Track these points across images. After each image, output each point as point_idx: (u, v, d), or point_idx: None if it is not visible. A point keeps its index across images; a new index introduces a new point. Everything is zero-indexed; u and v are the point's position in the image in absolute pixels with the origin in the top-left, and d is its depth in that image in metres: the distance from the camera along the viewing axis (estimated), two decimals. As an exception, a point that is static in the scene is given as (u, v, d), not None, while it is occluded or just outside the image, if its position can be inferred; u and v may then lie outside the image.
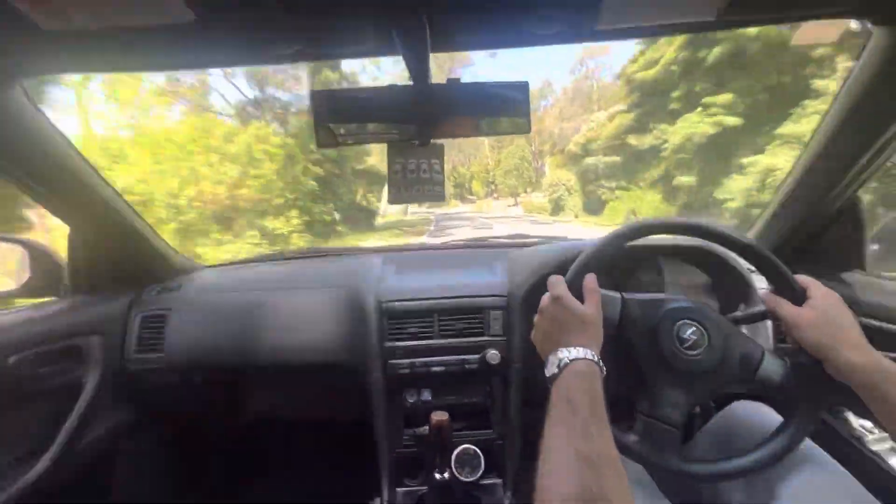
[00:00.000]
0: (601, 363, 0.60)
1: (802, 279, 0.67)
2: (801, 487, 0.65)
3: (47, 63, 0.72)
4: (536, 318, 0.71)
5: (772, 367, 0.67)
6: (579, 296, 0.68)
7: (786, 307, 0.65)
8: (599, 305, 0.67)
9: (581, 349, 0.60)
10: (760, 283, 1.04)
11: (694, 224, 0.72)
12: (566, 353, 0.59)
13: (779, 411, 0.75)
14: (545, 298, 0.70)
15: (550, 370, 0.60)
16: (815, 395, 0.65)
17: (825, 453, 0.71)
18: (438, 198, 0.77)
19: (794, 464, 0.67)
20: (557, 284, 0.69)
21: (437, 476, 0.94)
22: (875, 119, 0.78)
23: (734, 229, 0.72)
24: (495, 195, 41.10)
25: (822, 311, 0.62)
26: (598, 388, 0.56)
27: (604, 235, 0.74)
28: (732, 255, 1.09)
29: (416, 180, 0.76)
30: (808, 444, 0.71)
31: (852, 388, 0.58)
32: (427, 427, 1.07)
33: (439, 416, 0.91)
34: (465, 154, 44.36)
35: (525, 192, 36.21)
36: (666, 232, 0.74)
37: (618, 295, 0.72)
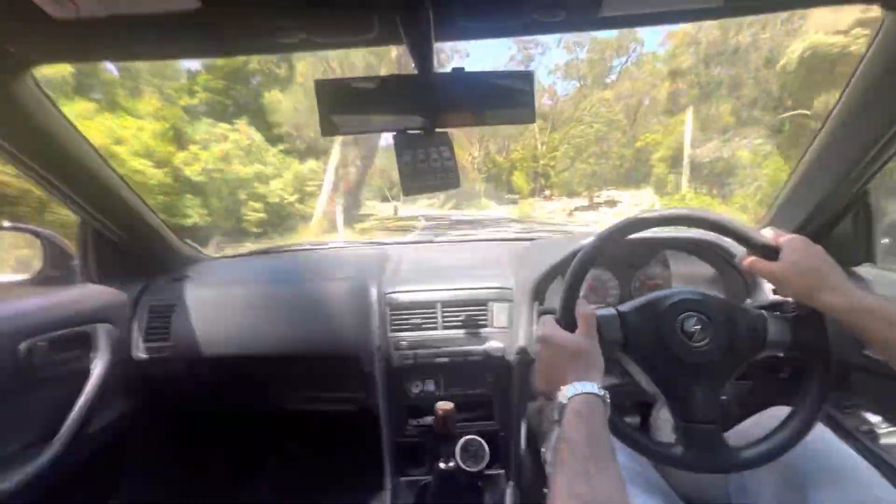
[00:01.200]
0: (603, 392, 0.59)
1: (767, 233, 0.67)
2: (832, 496, 0.63)
3: (57, 52, 0.73)
4: (536, 366, 0.70)
5: (777, 329, 0.67)
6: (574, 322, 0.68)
7: (763, 266, 0.66)
8: (593, 329, 0.66)
9: (577, 384, 0.59)
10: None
11: (665, 214, 0.70)
12: (563, 395, 0.59)
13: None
14: (538, 343, 0.69)
15: (556, 412, 0.60)
16: (822, 343, 0.65)
17: (847, 448, 0.69)
18: (453, 185, 0.75)
19: (821, 461, 0.66)
20: (544, 324, 0.69)
21: (442, 465, 0.95)
22: (886, 108, 0.77)
23: (693, 207, 0.70)
24: (547, 192, 29.80)
25: (794, 261, 0.63)
26: (598, 422, 0.55)
27: (591, 238, 0.72)
28: (727, 242, 1.07)
29: (426, 170, 0.75)
30: (832, 440, 0.71)
31: (844, 327, 0.59)
32: (431, 417, 1.08)
33: (444, 406, 0.91)
34: (502, 137, 33.09)
35: (602, 189, 25.14)
36: (642, 227, 0.70)
37: (613, 311, 0.70)
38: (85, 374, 1.11)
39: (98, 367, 1.11)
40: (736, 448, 0.66)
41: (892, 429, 0.91)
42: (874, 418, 0.94)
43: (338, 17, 0.64)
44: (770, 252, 0.65)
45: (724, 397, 1.10)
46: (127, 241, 1.23)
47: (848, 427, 0.94)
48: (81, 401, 1.06)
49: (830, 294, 0.59)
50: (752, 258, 0.68)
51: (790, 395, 0.68)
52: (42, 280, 1.14)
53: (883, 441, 0.90)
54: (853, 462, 0.66)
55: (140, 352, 1.21)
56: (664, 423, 1.23)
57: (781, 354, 0.69)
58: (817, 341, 0.66)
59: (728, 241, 1.07)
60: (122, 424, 1.24)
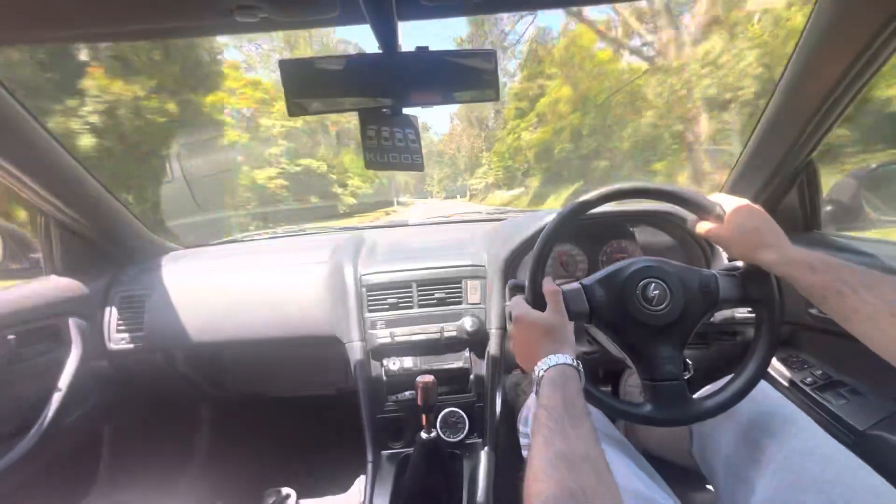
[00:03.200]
0: (574, 361, 0.63)
1: (715, 198, 0.73)
2: (779, 441, 0.69)
3: (9, 34, 0.70)
4: (512, 345, 0.74)
5: (728, 285, 0.73)
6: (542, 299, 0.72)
7: (710, 229, 0.72)
8: (560, 305, 0.70)
9: (551, 357, 0.63)
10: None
11: (617, 188, 0.74)
12: (538, 368, 0.63)
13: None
14: (512, 324, 0.73)
15: (533, 387, 0.64)
16: (769, 295, 0.71)
17: (790, 402, 0.76)
18: (417, 167, 0.76)
19: (768, 418, 0.72)
20: (516, 306, 0.74)
21: (424, 436, 0.98)
22: (825, 78, 0.82)
23: (645, 180, 0.75)
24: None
25: (739, 222, 0.69)
26: (573, 389, 0.58)
27: (550, 221, 0.76)
28: (682, 212, 1.13)
29: (391, 147, 0.77)
30: (779, 398, 0.77)
31: (781, 279, 0.66)
32: (410, 392, 1.11)
33: (425, 379, 0.94)
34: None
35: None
36: (600, 203, 0.74)
37: (578, 285, 0.74)
38: (56, 367, 1.09)
39: (70, 360, 1.09)
40: (699, 399, 0.72)
41: (832, 379, 0.99)
42: (817, 372, 1.02)
43: (299, -4, 0.64)
44: (717, 217, 0.71)
45: (688, 361, 1.18)
46: (92, 232, 1.20)
47: (795, 380, 1.02)
48: (55, 394, 1.05)
49: (768, 251, 0.66)
50: (700, 222, 0.74)
51: (747, 350, 0.74)
52: (2, 274, 1.10)
53: (825, 392, 0.98)
54: (794, 415, 0.73)
55: (113, 343, 1.19)
56: (632, 389, 1.31)
57: (734, 311, 0.74)
58: (763, 293, 0.71)
59: (678, 210, 1.13)
60: (99, 415, 1.23)
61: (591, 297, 0.73)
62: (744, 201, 0.71)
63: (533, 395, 0.94)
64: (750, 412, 0.74)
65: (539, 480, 0.46)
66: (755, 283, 0.72)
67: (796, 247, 0.65)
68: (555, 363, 0.62)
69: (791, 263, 0.63)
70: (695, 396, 0.73)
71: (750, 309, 0.75)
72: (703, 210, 0.73)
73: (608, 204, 0.76)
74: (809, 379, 1.00)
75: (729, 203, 0.72)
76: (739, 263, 0.76)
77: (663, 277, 0.72)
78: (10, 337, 0.98)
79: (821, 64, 0.79)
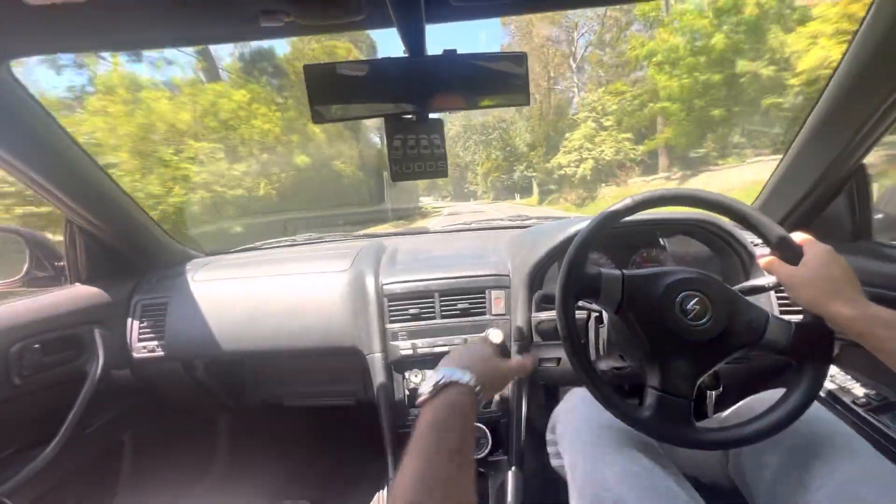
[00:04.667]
0: (473, 381, 0.59)
1: (797, 238, 0.67)
2: (830, 470, 0.64)
3: (33, 42, 0.70)
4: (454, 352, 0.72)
5: (777, 329, 0.67)
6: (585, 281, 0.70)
7: (782, 269, 0.66)
8: (521, 369, 0.71)
9: (457, 370, 0.59)
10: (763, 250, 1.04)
11: (685, 193, 0.71)
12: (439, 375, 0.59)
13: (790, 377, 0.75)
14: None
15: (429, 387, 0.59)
16: (821, 352, 0.65)
17: (843, 423, 0.70)
18: (441, 174, 0.75)
19: (817, 440, 0.67)
20: (486, 342, 0.74)
21: None
22: (879, 83, 0.77)
23: (727, 196, 0.70)
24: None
25: (816, 268, 0.63)
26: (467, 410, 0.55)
27: (592, 220, 0.74)
28: (731, 226, 1.08)
29: (417, 156, 0.75)
30: (828, 419, 0.72)
31: (853, 338, 0.58)
32: None
33: None
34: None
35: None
36: (657, 205, 0.72)
37: (618, 273, 0.72)
38: (79, 376, 1.09)
39: (93, 369, 1.09)
40: (701, 427, 0.67)
41: (888, 401, 0.92)
42: (871, 392, 0.95)
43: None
44: (795, 256, 0.65)
45: (712, 378, 1.13)
46: (115, 239, 1.20)
47: (845, 401, 0.95)
48: (78, 401, 1.05)
49: (845, 304, 0.59)
50: (772, 258, 0.68)
51: (782, 379, 0.68)
52: (29, 282, 1.11)
53: (880, 415, 0.91)
54: (848, 439, 0.67)
55: (135, 352, 1.19)
56: None
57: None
58: (816, 351, 0.65)
59: (720, 221, 1.07)
60: (120, 424, 1.23)
61: (627, 287, 0.70)
62: (826, 246, 0.65)
63: (562, 403, 0.90)
64: (799, 433, 0.69)
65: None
66: (810, 336, 0.66)
67: (880, 306, 0.58)
68: (452, 378, 0.57)
69: (875, 322, 0.56)
70: (701, 424, 0.68)
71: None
72: (778, 244, 0.67)
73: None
74: (863, 399, 0.93)
75: (809, 244, 0.66)
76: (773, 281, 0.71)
77: (709, 295, 0.67)
78: (36, 346, 0.98)
79: (878, 65, 0.74)
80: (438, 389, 0.56)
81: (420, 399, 0.57)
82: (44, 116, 0.87)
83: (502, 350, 0.75)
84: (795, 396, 0.65)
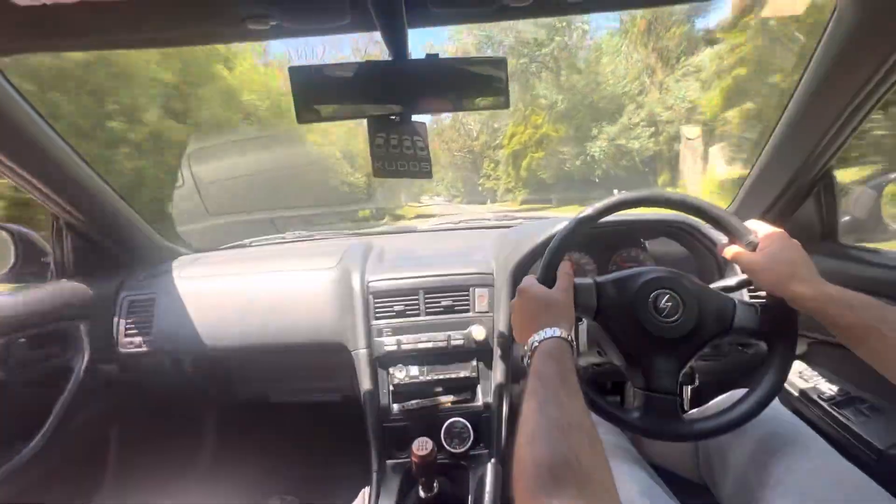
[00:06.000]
0: (571, 338, 0.62)
1: (751, 224, 0.71)
2: (787, 463, 0.67)
3: (21, 42, 0.71)
4: (511, 315, 0.74)
5: (745, 315, 0.71)
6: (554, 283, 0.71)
7: (742, 256, 0.70)
8: (569, 287, 0.70)
9: (548, 329, 0.61)
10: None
11: (645, 195, 0.74)
12: (535, 338, 0.62)
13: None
14: (515, 297, 0.73)
15: (525, 356, 0.63)
16: (787, 330, 0.69)
17: (801, 422, 0.74)
18: (425, 174, 0.76)
19: (780, 435, 0.71)
20: (524, 280, 0.74)
21: (423, 495, 0.98)
22: (844, 89, 0.80)
23: (689, 195, 0.74)
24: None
25: (773, 252, 0.67)
26: (568, 362, 0.57)
27: (568, 222, 0.76)
28: (705, 227, 1.11)
29: (399, 155, 0.76)
30: (786, 414, 0.76)
31: (812, 316, 0.62)
32: (416, 401, 1.10)
33: (420, 451, 0.90)
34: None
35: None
36: (622, 208, 0.75)
37: (590, 281, 0.74)
38: (66, 371, 1.09)
39: (79, 364, 1.10)
40: (688, 420, 0.70)
41: (850, 395, 0.96)
42: (835, 387, 0.99)
43: (310, 3, 0.64)
44: (749, 243, 0.69)
45: (695, 373, 1.16)
46: (101, 235, 1.21)
47: (812, 396, 0.99)
48: (63, 396, 1.05)
49: (801, 284, 0.63)
50: (732, 247, 0.72)
51: (754, 374, 0.72)
52: (14, 277, 1.11)
53: (843, 409, 0.95)
54: (805, 438, 0.71)
55: (122, 347, 1.20)
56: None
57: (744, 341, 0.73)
58: (782, 329, 0.69)
59: (692, 221, 1.11)
60: (106, 419, 1.23)
61: (601, 295, 0.73)
62: (779, 231, 0.69)
63: None
64: (760, 430, 0.73)
65: (532, 445, 0.45)
66: (775, 317, 0.69)
67: (832, 284, 0.62)
68: (551, 335, 0.61)
69: (827, 300, 0.60)
70: (688, 416, 0.72)
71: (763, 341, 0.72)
72: (736, 234, 0.71)
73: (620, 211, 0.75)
74: (827, 394, 0.97)
75: (764, 230, 0.70)
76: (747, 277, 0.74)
77: (679, 291, 0.70)
78: (21, 340, 0.99)
79: (842, 71, 0.77)
80: (533, 351, 0.61)
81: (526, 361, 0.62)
82: (31, 113, 0.88)
83: (545, 277, 0.74)
84: (771, 374, 0.69)
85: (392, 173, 0.76)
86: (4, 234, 1.11)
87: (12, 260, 1.10)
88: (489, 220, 1.74)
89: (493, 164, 27.62)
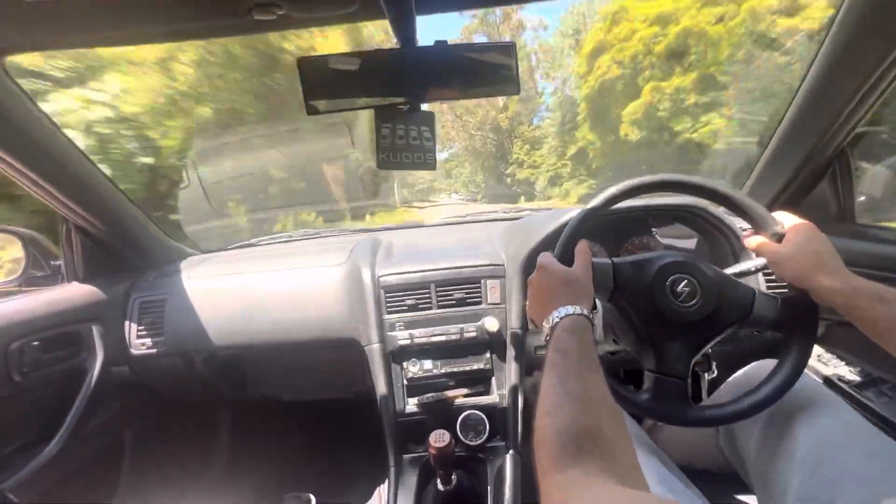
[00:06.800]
0: (591, 315, 0.61)
1: (778, 216, 0.70)
2: (812, 431, 0.67)
3: (28, 38, 0.70)
4: (528, 293, 0.73)
5: (764, 305, 0.70)
6: (572, 264, 0.70)
7: (767, 247, 0.68)
8: (588, 266, 0.70)
9: (568, 307, 0.61)
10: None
11: (668, 179, 0.73)
12: (555, 315, 0.61)
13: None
14: (533, 274, 0.72)
15: (544, 334, 0.62)
16: (808, 325, 0.68)
17: (816, 380, 0.73)
18: (429, 166, 0.75)
19: (802, 410, 0.70)
20: (543, 257, 0.72)
21: (442, 488, 0.97)
22: (860, 67, 0.79)
23: (709, 179, 0.73)
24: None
25: (799, 243, 0.65)
26: (588, 338, 0.57)
27: (584, 206, 0.76)
28: (720, 212, 1.10)
29: (405, 146, 0.75)
30: (811, 386, 0.74)
31: (837, 310, 0.61)
32: (431, 394, 1.10)
33: (437, 442, 0.88)
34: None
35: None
36: (640, 193, 0.74)
37: (608, 261, 0.73)
38: (79, 373, 1.10)
39: (93, 366, 1.10)
40: (699, 406, 0.70)
41: (871, 377, 0.95)
42: (856, 369, 0.98)
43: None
44: (775, 234, 0.68)
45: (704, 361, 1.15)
46: (111, 237, 1.21)
47: (831, 378, 0.98)
48: (78, 399, 1.05)
49: (828, 277, 0.61)
50: (757, 237, 0.71)
51: (772, 352, 0.71)
52: (26, 281, 1.12)
53: (864, 390, 0.94)
54: (827, 398, 0.71)
55: (134, 349, 1.20)
56: None
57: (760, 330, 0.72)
58: (802, 323, 0.68)
59: (708, 206, 1.10)
60: (121, 420, 1.24)
61: (618, 276, 0.72)
62: (807, 222, 0.67)
63: None
64: (783, 398, 0.71)
65: (553, 415, 0.44)
66: (796, 310, 0.68)
67: (859, 277, 0.60)
68: (572, 312, 0.60)
69: (856, 293, 0.59)
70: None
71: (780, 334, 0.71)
72: (762, 224, 0.70)
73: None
74: (848, 377, 0.96)
75: (790, 221, 0.68)
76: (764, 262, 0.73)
77: (696, 276, 0.69)
78: (35, 343, 0.99)
79: (858, 49, 0.76)
80: (553, 327, 0.60)
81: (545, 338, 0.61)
82: (39, 114, 0.88)
83: (562, 256, 0.74)
84: (785, 369, 0.68)
85: (396, 165, 0.75)
86: (14, 238, 1.11)
87: (23, 263, 1.11)
88: (496, 212, 1.73)
89: (528, 147, 20.50)
